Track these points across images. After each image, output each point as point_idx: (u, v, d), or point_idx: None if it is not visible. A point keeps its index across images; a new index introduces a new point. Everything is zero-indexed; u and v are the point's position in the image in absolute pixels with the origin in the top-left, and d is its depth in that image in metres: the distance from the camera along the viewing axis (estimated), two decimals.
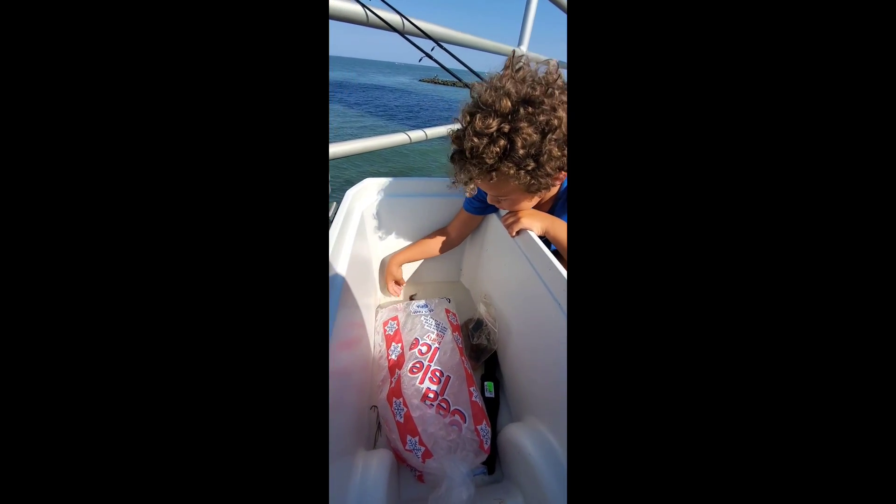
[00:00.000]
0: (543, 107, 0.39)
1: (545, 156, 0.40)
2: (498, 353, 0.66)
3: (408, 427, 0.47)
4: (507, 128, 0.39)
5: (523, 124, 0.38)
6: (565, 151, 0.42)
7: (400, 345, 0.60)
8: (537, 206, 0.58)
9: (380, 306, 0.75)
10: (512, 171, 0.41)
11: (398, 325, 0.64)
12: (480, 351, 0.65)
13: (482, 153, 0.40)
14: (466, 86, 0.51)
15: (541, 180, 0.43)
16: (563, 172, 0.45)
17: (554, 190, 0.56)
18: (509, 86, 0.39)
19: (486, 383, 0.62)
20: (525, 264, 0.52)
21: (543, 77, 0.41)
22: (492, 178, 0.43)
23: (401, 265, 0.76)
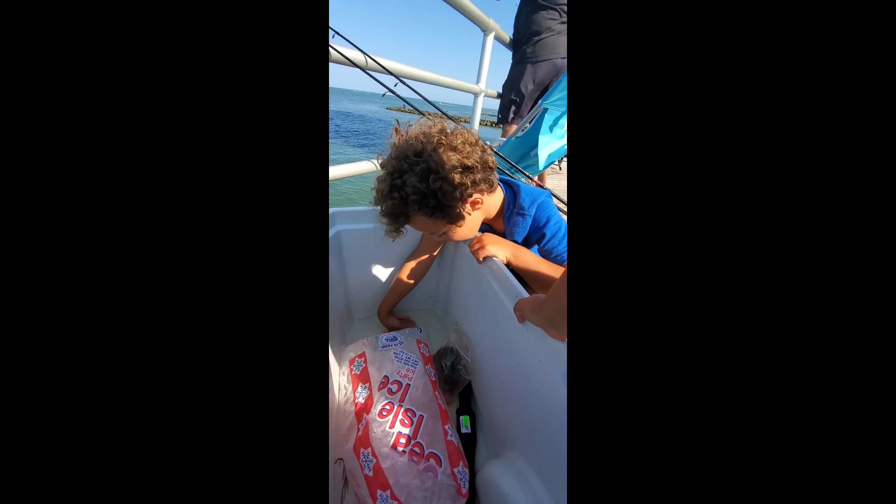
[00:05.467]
0: (425, 154, 0.47)
1: (440, 190, 0.47)
2: (472, 384, 0.63)
3: (378, 480, 0.43)
4: (398, 182, 0.47)
5: (406, 175, 0.47)
6: (469, 177, 0.48)
7: (367, 385, 0.55)
8: (483, 225, 0.61)
9: (344, 343, 0.70)
10: (420, 212, 0.48)
11: (365, 362, 0.60)
12: (455, 383, 0.62)
13: (388, 208, 0.49)
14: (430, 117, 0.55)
15: (451, 212, 0.49)
16: (473, 198, 0.50)
17: (494, 207, 0.59)
18: (397, 146, 0.49)
19: (461, 417, 0.59)
20: (493, 291, 0.52)
21: (427, 130, 0.49)
22: (411, 222, 0.51)
23: (390, 313, 0.75)
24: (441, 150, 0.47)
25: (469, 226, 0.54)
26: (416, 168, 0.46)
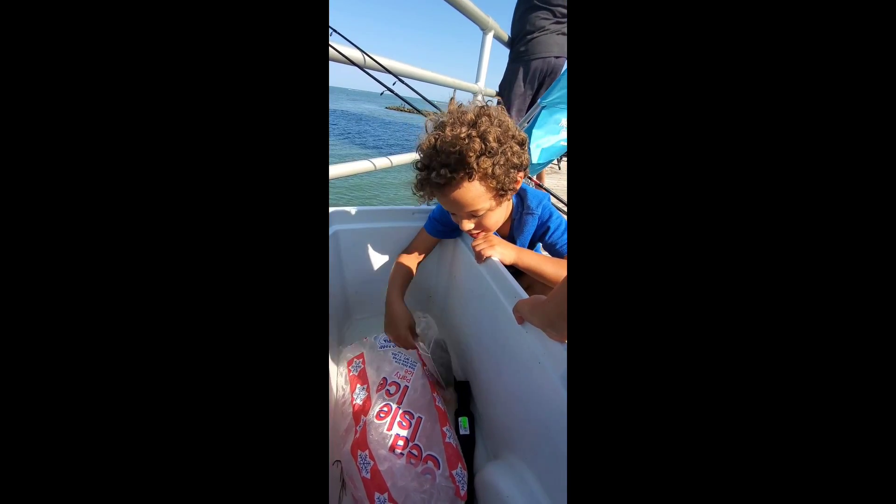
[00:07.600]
0: (494, 119, 0.48)
1: (509, 150, 0.47)
2: (471, 385, 0.63)
3: (375, 482, 0.42)
4: (474, 132, 0.47)
5: (486, 126, 0.47)
6: (522, 153, 0.49)
7: (366, 387, 0.55)
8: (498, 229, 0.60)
9: (342, 344, 0.70)
10: (489, 167, 0.46)
11: (364, 363, 0.59)
12: (447, 369, 0.62)
13: (463, 151, 0.46)
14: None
15: (511, 175, 0.49)
16: (521, 173, 0.51)
17: (510, 207, 0.60)
18: (461, 110, 0.49)
19: (460, 419, 0.59)
20: (492, 292, 0.51)
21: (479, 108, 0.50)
22: (467, 182, 0.47)
23: (403, 302, 0.64)
24: (503, 117, 0.49)
25: (503, 210, 0.54)
26: (495, 121, 0.48)
